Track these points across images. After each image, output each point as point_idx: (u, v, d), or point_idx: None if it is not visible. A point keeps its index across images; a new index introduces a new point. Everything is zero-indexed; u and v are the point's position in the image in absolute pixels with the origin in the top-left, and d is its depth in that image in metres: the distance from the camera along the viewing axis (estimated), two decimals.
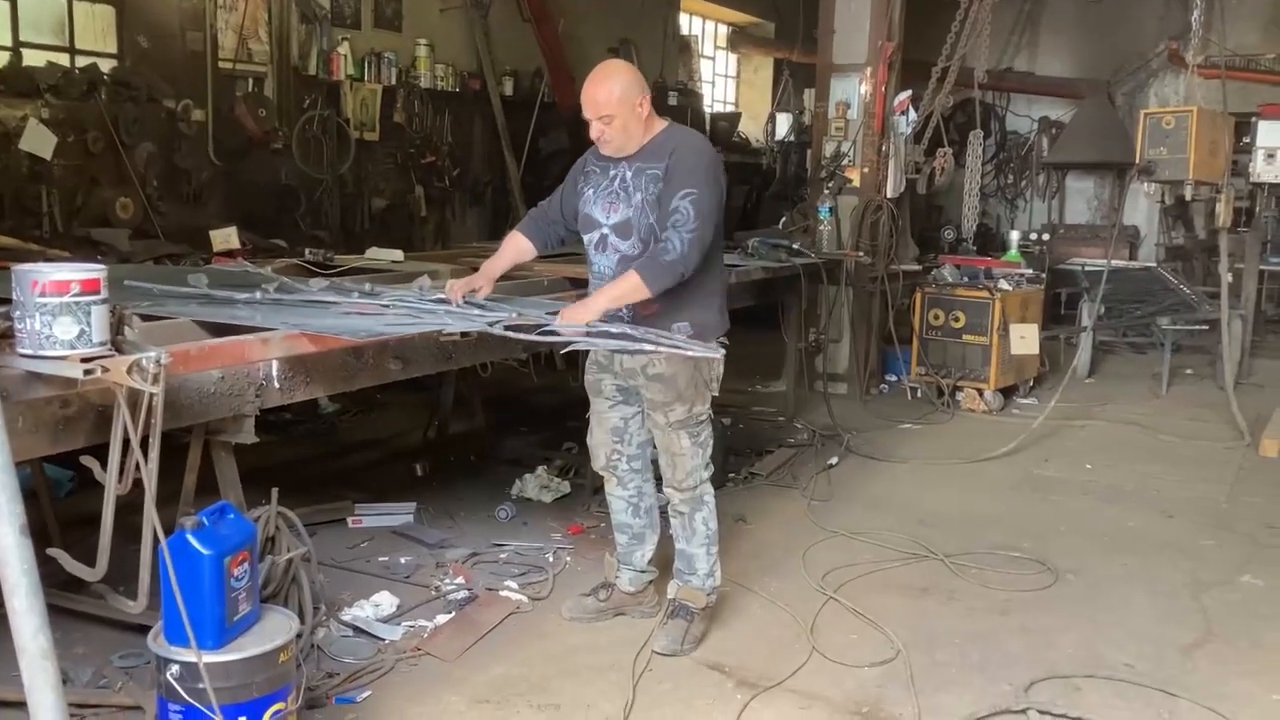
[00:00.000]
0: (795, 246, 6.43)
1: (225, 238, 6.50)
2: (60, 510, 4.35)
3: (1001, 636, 3.94)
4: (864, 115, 7.71)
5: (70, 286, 2.51)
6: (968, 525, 5.12)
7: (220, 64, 7.30)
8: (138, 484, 3.35)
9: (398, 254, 5.45)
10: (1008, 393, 7.76)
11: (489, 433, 6.26)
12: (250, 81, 7.53)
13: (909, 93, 7.80)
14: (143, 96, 6.78)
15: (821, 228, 7.04)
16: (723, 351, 3.64)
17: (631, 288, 3.43)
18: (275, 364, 3.33)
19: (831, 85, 7.87)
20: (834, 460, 6.10)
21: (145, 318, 3.46)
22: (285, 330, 3.22)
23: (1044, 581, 4.46)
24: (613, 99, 3.47)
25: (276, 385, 3.36)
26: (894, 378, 8.15)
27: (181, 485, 3.46)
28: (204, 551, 2.65)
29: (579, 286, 4.33)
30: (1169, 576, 4.54)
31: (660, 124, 3.61)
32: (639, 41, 11.24)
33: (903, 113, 7.78)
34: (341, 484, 5.45)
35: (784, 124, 8.07)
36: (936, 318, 7.69)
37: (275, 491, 3.53)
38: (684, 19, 13.24)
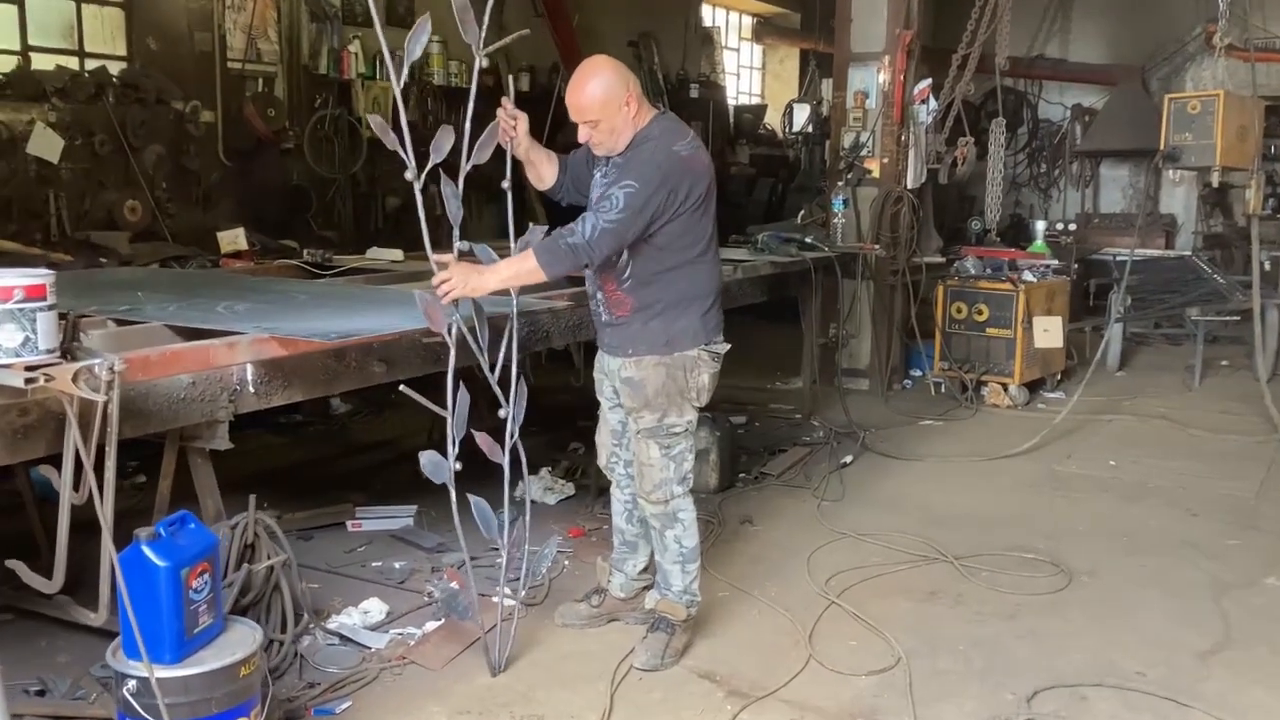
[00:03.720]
0: (808, 240, 6.29)
1: (233, 239, 6.48)
2: (50, 514, 4.31)
3: (1008, 642, 3.79)
4: (883, 105, 7.54)
5: (13, 293, 2.45)
6: (982, 525, 4.96)
7: (229, 64, 7.28)
8: (124, 490, 3.30)
9: (397, 254, 5.38)
10: (1034, 387, 7.57)
11: (496, 432, 6.16)
12: (260, 82, 7.50)
13: (929, 81, 7.63)
14: (151, 98, 6.76)
15: (836, 220, 6.89)
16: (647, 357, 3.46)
17: (527, 270, 3.28)
18: (250, 368, 3.26)
19: (849, 75, 7.70)
20: (848, 459, 5.96)
21: (121, 322, 3.43)
22: (255, 333, 3.14)
23: (1057, 584, 4.30)
24: (595, 103, 3.35)
25: (252, 390, 3.29)
26: (918, 373, 7.99)
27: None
28: (159, 563, 2.58)
29: (578, 284, 4.20)
30: (1189, 578, 4.37)
31: (649, 115, 3.46)
32: (659, 34, 11.11)
33: (923, 102, 7.61)
34: (347, 486, 5.39)
35: (803, 115, 7.94)
36: (959, 311, 7.51)
37: (253, 498, 3.46)
38: (706, 10, 13.10)
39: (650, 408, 3.48)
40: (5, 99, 6.11)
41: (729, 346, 3.65)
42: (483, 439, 3.36)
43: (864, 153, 7.59)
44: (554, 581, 4.26)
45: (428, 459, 3.25)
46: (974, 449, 6.26)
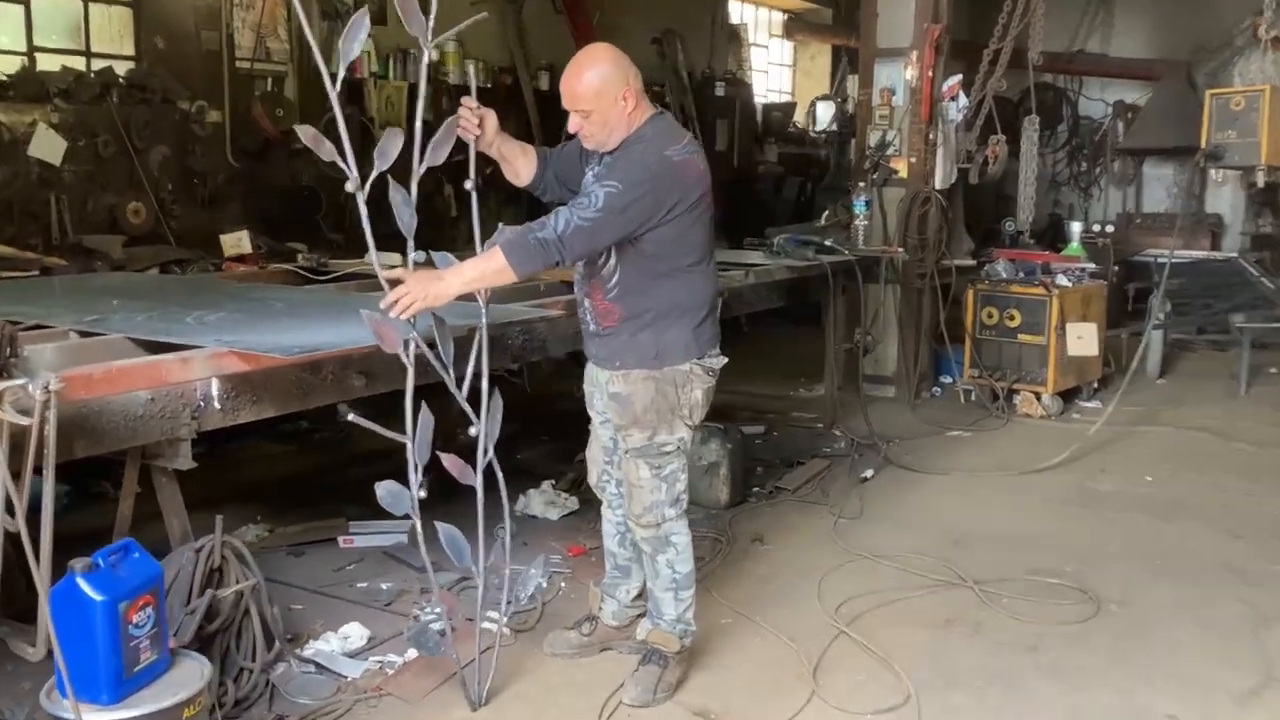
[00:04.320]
0: (828, 243, 6.04)
1: (236, 242, 6.32)
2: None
3: (1028, 677, 3.53)
4: (910, 102, 7.27)
5: None
6: (1006, 546, 4.69)
7: (237, 63, 7.13)
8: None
9: (394, 258, 5.18)
10: (1069, 396, 7.26)
11: (502, 442, 5.96)
12: (269, 81, 7.35)
13: (959, 77, 7.34)
14: (157, 99, 6.61)
15: (858, 222, 6.62)
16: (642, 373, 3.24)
17: (494, 270, 3.03)
18: (215, 383, 3.07)
19: (875, 71, 7.44)
20: (869, 473, 5.70)
21: (85, 334, 3.27)
22: (214, 347, 2.95)
23: (1084, 613, 4.03)
24: (590, 92, 3.12)
25: (217, 406, 3.10)
26: (948, 379, 7.70)
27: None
28: (95, 597, 2.40)
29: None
30: (1228, 609, 4.08)
31: (645, 114, 3.22)
32: (685, 31, 10.87)
33: (952, 98, 7.32)
34: (347, 497, 5.19)
35: (827, 113, 7.69)
36: (990, 316, 7.22)
37: (220, 519, 3.27)
38: (734, 7, 12.84)
39: (639, 425, 3.26)
40: (8, 100, 5.99)
41: (725, 361, 3.41)
42: (450, 460, 3.14)
43: (890, 152, 7.33)
44: (548, 605, 4.05)
45: (385, 490, 3.04)
46: (1002, 462, 5.97)
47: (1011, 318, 7.12)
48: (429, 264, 3.12)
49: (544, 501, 5.02)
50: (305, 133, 2.88)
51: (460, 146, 3.27)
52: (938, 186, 7.32)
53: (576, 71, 3.15)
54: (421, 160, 3.12)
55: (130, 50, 6.95)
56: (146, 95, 6.62)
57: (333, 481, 5.60)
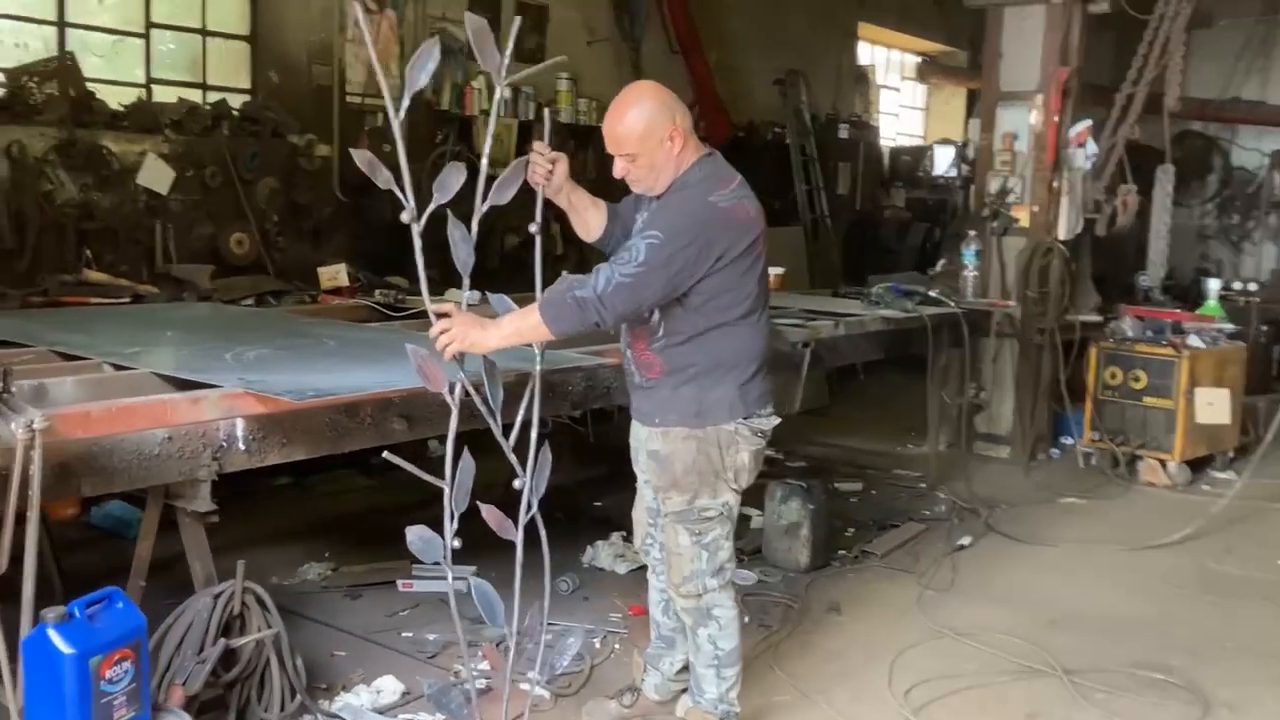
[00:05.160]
0: (932, 293, 5.71)
1: (334, 274, 6.34)
2: (123, 552, 4.12)
3: None
4: (1034, 148, 6.88)
5: None
6: (1109, 631, 4.28)
7: (348, 98, 7.20)
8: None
9: (475, 296, 5.08)
10: (1199, 465, 6.71)
11: (582, 487, 5.81)
12: (380, 116, 7.40)
13: (1088, 123, 6.92)
14: (266, 132, 6.71)
15: (967, 272, 6.26)
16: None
17: (530, 327, 2.88)
18: (240, 423, 2.98)
19: (998, 114, 7.08)
20: (967, 540, 5.32)
21: (118, 367, 3.22)
22: (231, 387, 2.85)
23: (1189, 716, 3.61)
24: (634, 135, 2.95)
25: (242, 447, 3.01)
26: (1068, 441, 7.21)
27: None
28: (65, 650, 2.28)
29: None
30: None
31: (694, 156, 3.02)
32: (810, 72, 10.64)
33: (1080, 145, 6.91)
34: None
35: (946, 157, 7.32)
36: (1114, 376, 6.74)
37: (241, 565, 3.16)
38: (864, 48, 12.54)
39: (679, 488, 3.03)
40: (121, 130, 6.13)
41: (777, 421, 3.16)
42: (489, 512, 2.95)
43: (1011, 199, 6.94)
44: (597, 668, 3.83)
45: (416, 535, 2.87)
46: (1116, 535, 5.51)
47: (1137, 379, 6.64)
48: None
49: (612, 554, 4.81)
50: (361, 157, 2.77)
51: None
52: (1061, 237, 6.90)
53: (619, 112, 2.97)
54: (485, 199, 2.97)
55: (246, 84, 7.09)
56: (257, 128, 6.71)
57: (413, 519, 5.49)
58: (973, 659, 4.00)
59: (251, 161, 6.55)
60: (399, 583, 4.56)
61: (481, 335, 2.82)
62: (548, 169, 3.01)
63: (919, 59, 13.67)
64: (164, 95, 6.65)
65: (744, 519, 5.37)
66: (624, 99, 3.03)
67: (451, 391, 2.82)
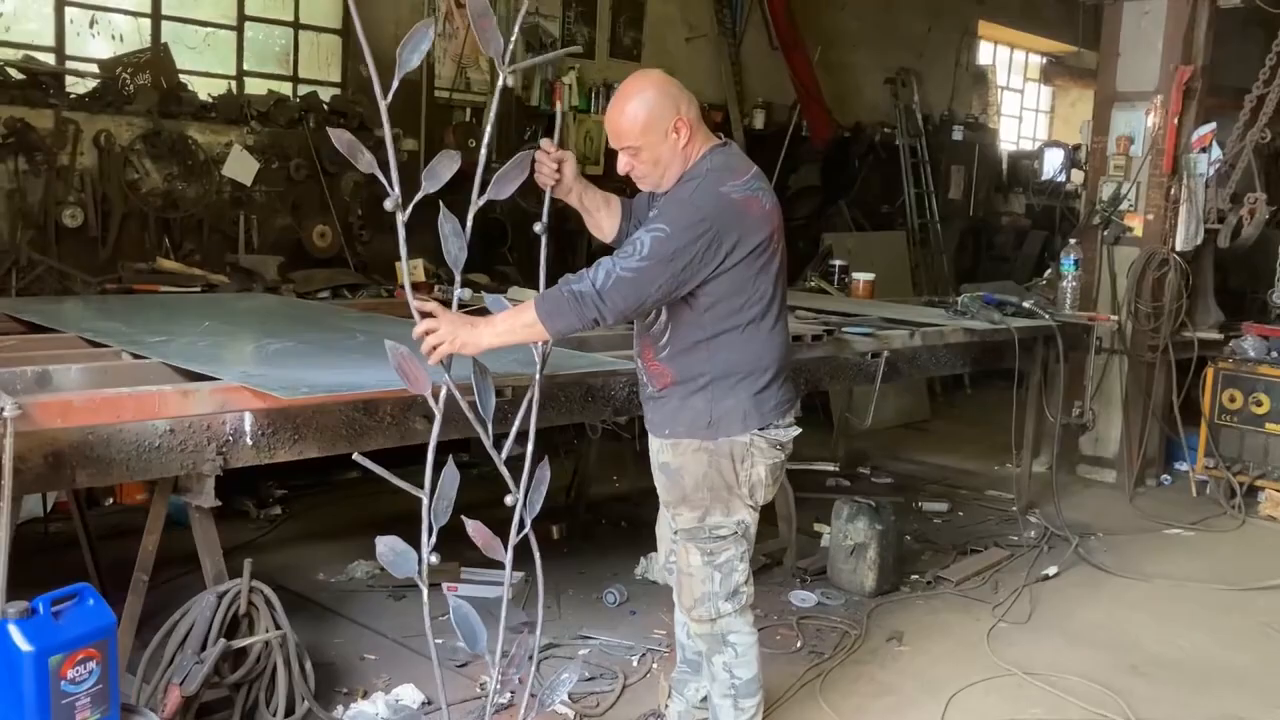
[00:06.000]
0: (1026, 304, 5.35)
1: (410, 269, 6.27)
2: (183, 541, 4.09)
3: None
4: (1150, 152, 6.43)
5: None
6: (1196, 681, 3.91)
7: (436, 93, 7.15)
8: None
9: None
10: None
11: (647, 496, 5.60)
12: (468, 112, 7.34)
13: (1212, 126, 6.43)
14: (352, 125, 6.69)
15: (1065, 283, 5.85)
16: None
17: (524, 324, 2.67)
18: (248, 417, 2.88)
19: (1113, 116, 6.65)
20: (1052, 570, 4.96)
21: (136, 356, 3.16)
22: (229, 380, 2.75)
23: None
24: (636, 127, 2.73)
25: (249, 441, 2.91)
26: (1182, 467, 6.72)
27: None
28: (23, 648, 2.20)
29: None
30: None
31: (703, 147, 2.78)
32: (925, 71, 10.25)
33: (1202, 150, 6.43)
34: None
35: (1055, 161, 6.87)
36: (1232, 400, 6.25)
37: (248, 563, 3.07)
38: (985, 47, 12.04)
39: (689, 503, 2.82)
40: (208, 121, 6.19)
41: (797, 432, 2.91)
42: (475, 529, 2.78)
43: (1124, 206, 6.51)
44: (629, 688, 3.65)
45: (386, 547, 2.71)
46: (1221, 572, 5.07)
47: (1258, 403, 6.14)
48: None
49: (663, 565, 4.60)
50: (340, 138, 2.65)
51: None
52: (1178, 248, 6.43)
53: (619, 104, 2.77)
54: (482, 193, 2.83)
55: (336, 77, 7.10)
56: (344, 121, 6.70)
57: (478, 518, 5.40)
58: (1039, 702, 3.68)
59: (336, 154, 6.54)
60: (444, 586, 4.44)
61: (472, 334, 2.64)
62: (553, 169, 2.83)
63: (1043, 59, 13.08)
64: (253, 88, 6.69)
65: (814, 536, 5.13)
66: (625, 89, 2.82)
67: (436, 396, 2.66)
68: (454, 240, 2.74)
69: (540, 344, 2.84)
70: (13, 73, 5.60)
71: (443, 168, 2.70)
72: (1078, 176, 10.78)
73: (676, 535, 2.90)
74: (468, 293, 2.80)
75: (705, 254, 2.62)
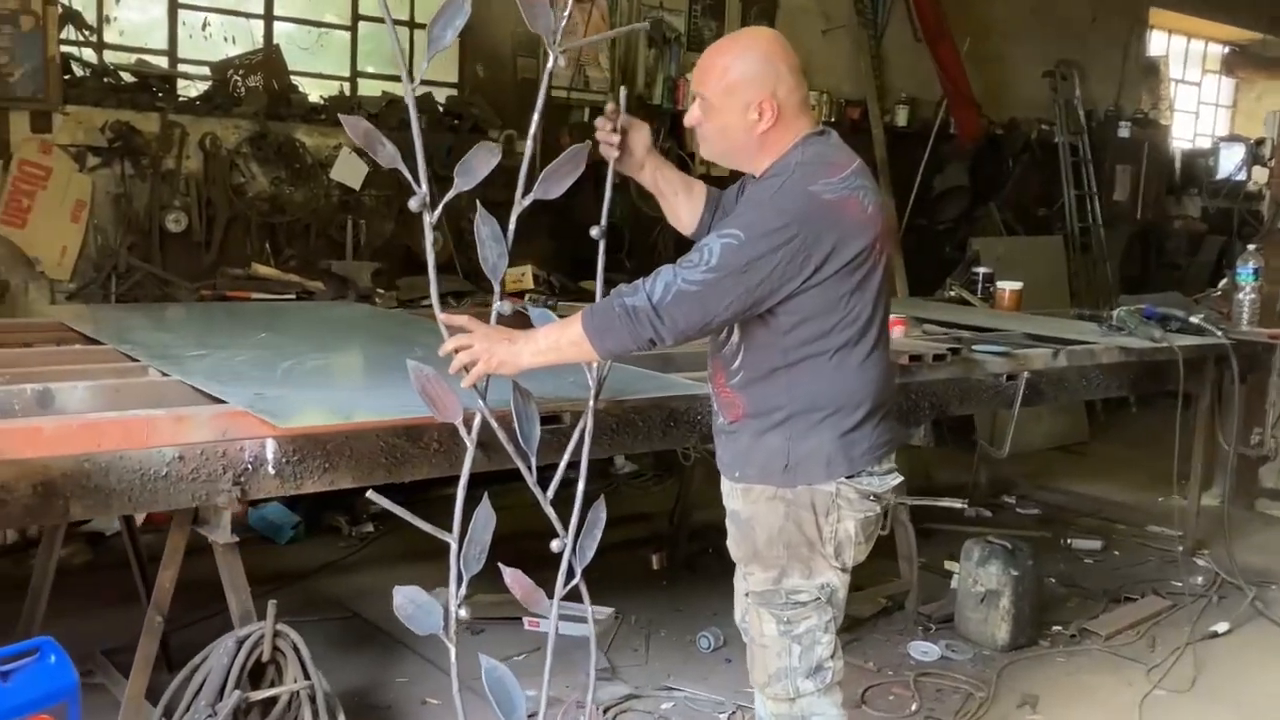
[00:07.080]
0: (1194, 319, 4.69)
1: (518, 276, 6.05)
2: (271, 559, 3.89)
3: None
4: None
5: None
6: None
7: (553, 92, 6.86)
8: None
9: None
10: None
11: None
12: (586, 111, 7.02)
13: None
14: (466, 127, 6.47)
15: (1242, 295, 5.13)
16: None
17: (569, 341, 2.26)
18: (271, 444, 2.58)
19: None
20: (1222, 626, 4.31)
21: (164, 373, 2.91)
22: (233, 405, 2.45)
23: None
24: (721, 83, 2.29)
25: (271, 471, 2.60)
26: None
27: None
28: None
29: None
30: None
31: (793, 137, 2.31)
32: (1088, 63, 9.46)
33: None
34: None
35: (1234, 158, 6.09)
36: None
37: (273, 605, 2.76)
38: (1158, 37, 11.10)
39: (761, 561, 2.38)
40: (316, 124, 6.04)
41: (898, 481, 2.41)
42: (514, 578, 2.41)
43: None
44: None
45: (405, 598, 2.37)
46: None
47: None
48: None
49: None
50: (355, 127, 2.32)
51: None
52: None
53: (719, 51, 2.35)
54: (527, 192, 2.47)
55: (454, 77, 6.89)
56: (457, 123, 6.49)
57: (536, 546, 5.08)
58: None
59: (446, 157, 6.31)
60: (525, 621, 4.11)
61: (510, 351, 2.27)
62: (613, 139, 2.42)
63: (1225, 48, 12.01)
64: (367, 89, 6.54)
65: (945, 576, 4.60)
66: (735, 39, 2.41)
67: (468, 425, 2.30)
68: (492, 245, 2.39)
69: (593, 364, 2.46)
70: (125, 76, 5.56)
71: (478, 162, 2.35)
72: (1260, 175, 9.84)
73: (748, 597, 2.46)
74: (508, 306, 2.43)
75: (788, 267, 2.17)
